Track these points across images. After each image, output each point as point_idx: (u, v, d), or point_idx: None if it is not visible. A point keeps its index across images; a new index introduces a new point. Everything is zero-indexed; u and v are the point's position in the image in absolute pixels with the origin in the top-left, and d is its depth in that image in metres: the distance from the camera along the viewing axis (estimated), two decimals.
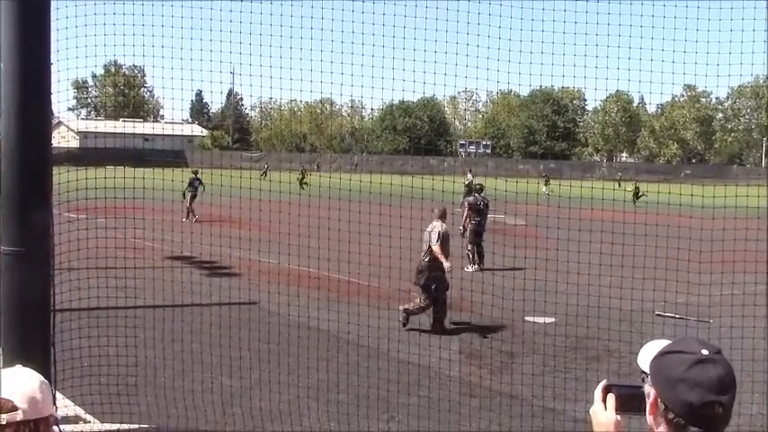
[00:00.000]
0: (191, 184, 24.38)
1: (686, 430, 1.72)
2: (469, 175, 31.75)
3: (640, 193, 30.20)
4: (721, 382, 1.70)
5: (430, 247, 10.17)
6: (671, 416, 1.74)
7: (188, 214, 24.04)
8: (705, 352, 1.74)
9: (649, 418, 1.83)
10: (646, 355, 1.91)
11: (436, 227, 10.39)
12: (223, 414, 6.63)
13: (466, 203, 16.58)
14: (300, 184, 36.45)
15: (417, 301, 10.22)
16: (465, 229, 16.08)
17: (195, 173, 25.18)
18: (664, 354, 1.80)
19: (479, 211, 16.04)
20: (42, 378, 2.06)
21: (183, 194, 23.86)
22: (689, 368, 1.71)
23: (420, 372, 8.16)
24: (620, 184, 44.97)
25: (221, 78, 14.27)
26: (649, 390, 1.82)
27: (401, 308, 10.23)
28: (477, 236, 15.84)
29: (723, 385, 1.70)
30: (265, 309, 10.64)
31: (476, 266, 15.41)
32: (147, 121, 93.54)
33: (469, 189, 17.32)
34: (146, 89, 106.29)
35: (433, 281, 10.05)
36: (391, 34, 7.30)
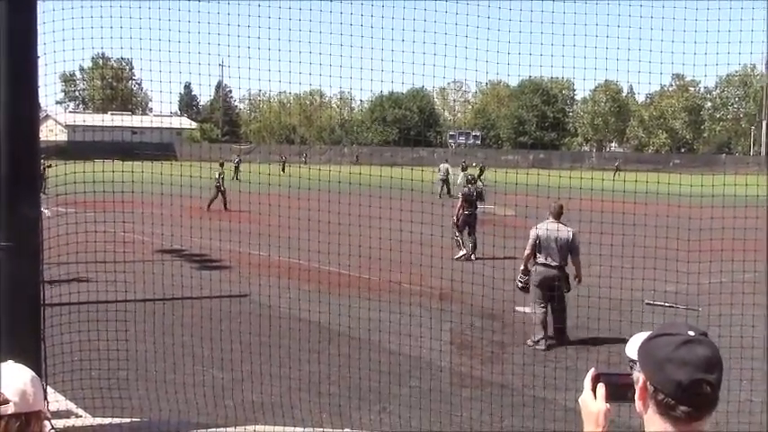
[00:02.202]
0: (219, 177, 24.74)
1: (675, 410, 1.74)
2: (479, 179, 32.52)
3: (482, 175, 31.04)
4: (709, 361, 1.72)
5: (570, 252, 9.20)
6: (660, 397, 1.76)
7: (209, 205, 24.18)
8: (692, 333, 1.77)
9: (638, 404, 1.84)
10: (633, 345, 1.93)
11: (572, 232, 9.25)
12: (215, 407, 6.63)
13: (461, 194, 16.95)
14: (235, 171, 33.15)
15: (534, 310, 9.34)
16: (458, 219, 16.43)
17: (221, 164, 25.54)
18: (651, 338, 1.82)
19: (472, 202, 16.59)
20: (33, 373, 2.06)
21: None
22: (677, 348, 1.73)
23: (411, 363, 8.19)
24: (617, 170, 45.01)
25: (210, 71, 14.16)
26: (638, 375, 1.84)
27: (534, 339, 9.14)
28: (469, 226, 16.34)
29: (711, 364, 1.72)
30: (256, 301, 10.63)
31: (463, 252, 15.82)
32: (135, 114, 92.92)
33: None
34: (134, 82, 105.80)
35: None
36: (380, 25, 7.30)
